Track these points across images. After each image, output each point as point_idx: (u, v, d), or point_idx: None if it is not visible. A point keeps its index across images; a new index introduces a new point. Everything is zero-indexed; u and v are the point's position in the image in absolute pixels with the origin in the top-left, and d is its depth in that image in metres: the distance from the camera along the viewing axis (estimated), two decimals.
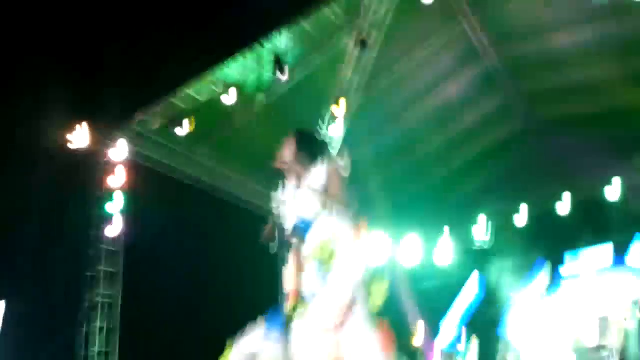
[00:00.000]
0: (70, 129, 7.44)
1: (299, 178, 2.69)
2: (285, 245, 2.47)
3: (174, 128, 8.32)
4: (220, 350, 2.53)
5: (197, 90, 8.27)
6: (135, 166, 8.66)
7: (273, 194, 2.83)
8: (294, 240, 2.53)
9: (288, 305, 2.46)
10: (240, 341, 2.44)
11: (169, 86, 7.72)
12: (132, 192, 8.53)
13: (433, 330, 12.66)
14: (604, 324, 10.44)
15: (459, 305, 12.99)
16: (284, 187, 2.57)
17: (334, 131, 8.56)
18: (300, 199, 2.62)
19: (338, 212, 2.51)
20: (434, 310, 12.64)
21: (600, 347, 9.66)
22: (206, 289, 9.19)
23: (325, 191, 2.57)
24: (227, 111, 8.44)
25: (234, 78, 8.33)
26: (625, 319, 9.67)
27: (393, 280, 11.62)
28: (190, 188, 9.49)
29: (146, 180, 8.80)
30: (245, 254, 9.40)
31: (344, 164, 2.63)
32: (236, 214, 10.09)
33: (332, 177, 2.59)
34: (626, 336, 9.15)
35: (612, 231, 10.64)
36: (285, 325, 2.39)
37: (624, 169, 11.04)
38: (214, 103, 8.29)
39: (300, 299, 2.36)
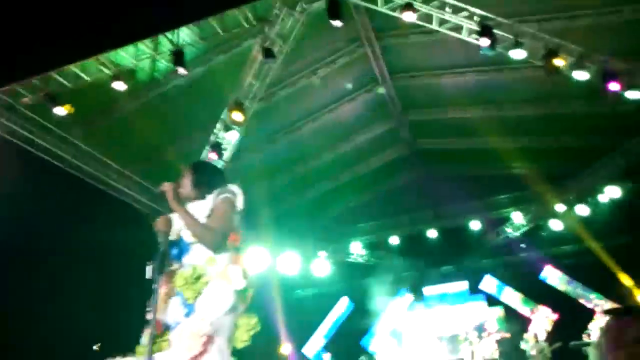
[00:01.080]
0: None
1: (188, 201, 2.61)
2: (162, 262, 2.32)
3: (50, 104, 7.53)
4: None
5: (83, 69, 7.59)
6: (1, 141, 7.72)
7: (159, 205, 2.70)
8: (167, 261, 2.40)
9: (148, 334, 2.31)
10: None
11: (53, 59, 6.97)
12: None
13: (302, 339, 12.93)
14: (452, 344, 11.61)
15: (329, 317, 13.44)
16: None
17: (231, 137, 8.38)
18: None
19: (212, 242, 2.42)
20: (306, 319, 12.92)
21: None
22: (62, 282, 8.45)
23: (208, 218, 2.49)
24: (113, 96, 7.85)
25: (126, 62, 7.81)
26: (470, 341, 10.84)
27: (267, 288, 11.74)
28: (60, 171, 8.68)
29: (10, 159, 7.89)
30: (113, 247, 8.86)
31: (238, 196, 2.56)
32: (107, 202, 9.45)
33: (218, 207, 2.50)
34: (472, 354, 10.16)
35: (470, 257, 11.77)
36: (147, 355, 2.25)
37: (485, 204, 12.30)
38: (101, 85, 7.67)
39: (163, 327, 2.24)
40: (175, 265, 2.48)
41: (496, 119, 10.08)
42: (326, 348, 13.07)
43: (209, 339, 2.21)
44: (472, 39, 7.31)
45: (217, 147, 8.44)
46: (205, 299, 2.33)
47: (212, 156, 8.54)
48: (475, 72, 9.33)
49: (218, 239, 2.42)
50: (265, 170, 10.52)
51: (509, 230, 12.63)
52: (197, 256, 2.45)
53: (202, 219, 2.48)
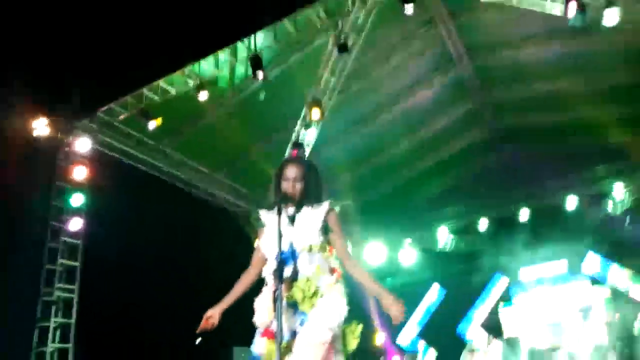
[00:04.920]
0: (34, 117, 7.10)
1: (297, 207, 2.64)
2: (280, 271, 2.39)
3: (143, 120, 8.07)
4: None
5: (169, 82, 8.05)
6: (100, 157, 8.38)
7: (263, 213, 2.76)
8: (274, 272, 2.45)
9: (264, 342, 2.43)
10: None
11: (141, 77, 7.48)
12: (96, 184, 8.25)
13: (395, 329, 12.89)
14: (556, 328, 10.99)
15: (421, 306, 13.29)
16: (279, 211, 2.47)
17: (310, 135, 8.51)
18: (298, 228, 2.58)
19: (329, 253, 2.57)
20: None
21: (552, 349, 10.12)
22: (170, 286, 9.03)
23: (323, 230, 2.60)
24: (199, 105, 8.26)
25: (208, 72, 8.17)
26: (577, 325, 10.20)
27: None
28: (157, 181, 9.27)
29: (111, 172, 8.54)
30: (212, 250, 9.34)
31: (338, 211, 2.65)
32: (204, 208, 9.96)
33: (336, 222, 2.64)
34: (579, 340, 9.59)
35: (568, 240, 11.07)
36: None
37: (582, 179, 11.53)
38: (186, 96, 8.09)
39: (276, 336, 2.30)
40: (286, 273, 2.54)
41: (586, 89, 9.43)
42: (421, 336, 12.94)
43: (331, 347, 2.30)
44: (555, 12, 6.84)
45: (299, 146, 8.61)
46: (321, 310, 2.41)
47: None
48: (560, 41, 8.76)
49: (340, 250, 2.62)
50: (345, 163, 10.56)
51: (610, 204, 11.75)
52: (306, 265, 2.53)
53: (316, 228, 2.56)
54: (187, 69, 7.80)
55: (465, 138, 11.82)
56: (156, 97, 8.01)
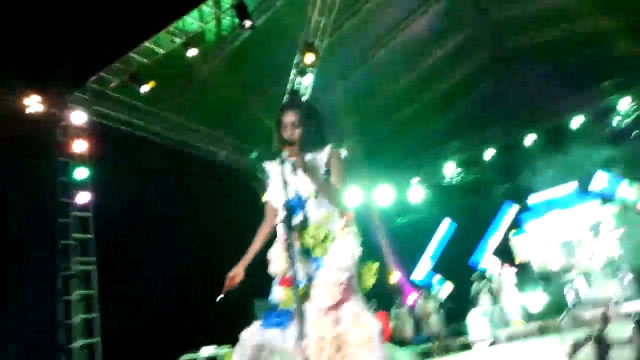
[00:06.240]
0: (26, 93, 6.94)
1: (299, 153, 2.53)
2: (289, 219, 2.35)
3: (135, 85, 7.88)
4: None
5: (155, 43, 7.79)
6: (98, 127, 8.25)
7: (266, 164, 2.69)
8: (284, 219, 2.40)
9: (282, 290, 2.44)
10: (241, 338, 2.39)
11: (126, 41, 7.22)
12: (97, 155, 8.17)
13: (409, 265, 13.11)
14: (567, 248, 11.10)
15: (433, 241, 13.45)
16: (282, 161, 2.39)
17: (306, 80, 8.29)
18: (300, 176, 2.49)
19: (333, 197, 2.50)
20: (409, 246, 13.01)
21: (564, 270, 10.26)
22: (183, 249, 9.11)
23: (327, 175, 2.52)
24: (190, 63, 8.02)
25: (194, 27, 7.87)
26: (588, 243, 10.27)
27: (368, 220, 11.92)
28: (158, 146, 9.17)
29: (110, 142, 8.43)
30: (222, 209, 9.34)
31: (345, 153, 2.55)
32: (208, 168, 9.90)
33: (335, 162, 2.54)
34: (591, 257, 9.69)
35: (577, 160, 10.95)
36: (284, 312, 2.36)
37: (587, 96, 11.27)
38: (176, 55, 7.85)
39: (292, 282, 2.27)
40: (296, 221, 2.50)
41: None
42: (435, 270, 13.16)
43: (348, 286, 2.30)
44: None
45: (296, 94, 8.39)
46: (334, 253, 2.40)
47: None
48: None
49: (344, 199, 2.52)
50: (345, 106, 10.36)
51: (617, 119, 11.55)
52: (314, 211, 2.50)
53: (320, 173, 2.49)
54: (171, 27, 7.52)
55: (466, 66, 11.51)
56: (145, 60, 7.78)
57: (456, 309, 10.98)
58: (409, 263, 13.12)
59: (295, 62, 8.29)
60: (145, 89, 7.74)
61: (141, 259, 8.66)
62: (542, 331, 9.27)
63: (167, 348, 7.94)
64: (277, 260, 2.51)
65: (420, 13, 9.74)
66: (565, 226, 11.58)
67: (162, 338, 8.54)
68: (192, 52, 7.54)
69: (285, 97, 8.54)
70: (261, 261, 2.64)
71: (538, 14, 9.79)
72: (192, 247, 9.28)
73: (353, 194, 11.29)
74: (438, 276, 12.95)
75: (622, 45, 9.99)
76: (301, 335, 2.17)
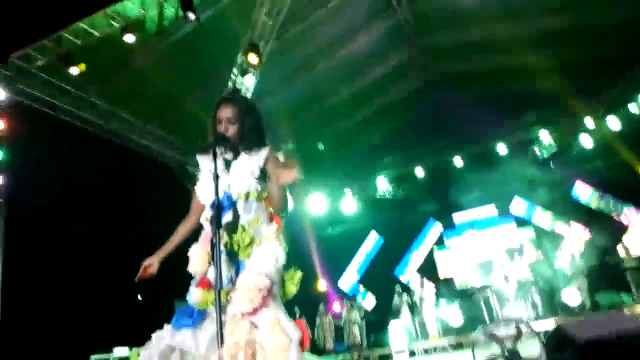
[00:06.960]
0: None
1: (233, 151, 2.45)
2: (218, 218, 2.24)
3: (63, 65, 7.42)
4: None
5: (91, 25, 7.39)
6: (19, 107, 7.69)
7: (198, 157, 2.53)
8: (211, 218, 2.31)
9: (199, 292, 2.32)
10: (151, 340, 2.25)
11: (58, 19, 6.78)
12: (15, 137, 7.60)
13: (336, 274, 13.25)
14: (484, 269, 11.72)
15: (360, 252, 13.69)
16: (215, 156, 2.27)
17: (248, 81, 8.18)
18: (234, 175, 2.41)
19: (283, 209, 2.45)
20: (337, 255, 13.17)
21: (483, 287, 10.78)
22: (104, 242, 8.68)
23: (261, 177, 2.42)
24: (126, 50, 7.68)
25: (134, 13, 7.56)
26: (503, 265, 10.89)
27: (299, 228, 11.92)
28: (87, 134, 8.70)
29: (31, 123, 7.90)
30: (148, 203, 9.01)
31: (282, 158, 2.44)
32: (139, 161, 9.51)
33: (273, 167, 2.41)
34: (505, 278, 10.24)
35: (498, 181, 11.59)
36: (198, 313, 2.27)
37: (512, 125, 11.99)
38: (113, 41, 7.49)
39: (212, 284, 2.21)
40: (223, 221, 2.37)
41: (520, 33, 9.61)
42: (360, 281, 13.38)
43: (269, 293, 2.23)
44: None
45: (236, 91, 8.27)
46: (258, 258, 2.32)
47: None
48: None
49: (281, 204, 2.45)
50: (284, 112, 10.34)
51: (537, 150, 12.37)
52: (243, 213, 2.40)
53: (253, 175, 2.40)
54: (109, 9, 7.17)
55: (404, 85, 11.88)
56: (77, 41, 7.36)
57: (378, 321, 11.20)
58: (336, 272, 13.26)
59: (238, 62, 8.18)
60: (75, 71, 7.32)
61: (55, 251, 8.16)
62: (457, 345, 9.65)
63: (80, 347, 7.50)
64: (197, 260, 2.40)
65: (365, 28, 9.95)
66: (484, 246, 12.23)
67: (74, 337, 8.07)
68: (129, 38, 7.22)
69: (225, 92, 8.42)
70: (184, 260, 2.53)
71: (474, 43, 10.29)
72: (114, 242, 8.86)
73: (287, 201, 11.22)
74: (362, 287, 13.19)
75: (546, 84, 10.74)
76: (219, 340, 2.09)
